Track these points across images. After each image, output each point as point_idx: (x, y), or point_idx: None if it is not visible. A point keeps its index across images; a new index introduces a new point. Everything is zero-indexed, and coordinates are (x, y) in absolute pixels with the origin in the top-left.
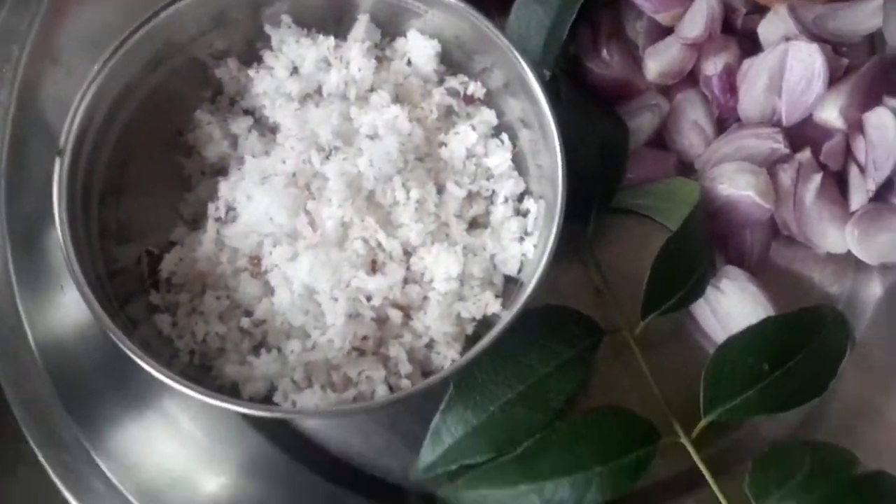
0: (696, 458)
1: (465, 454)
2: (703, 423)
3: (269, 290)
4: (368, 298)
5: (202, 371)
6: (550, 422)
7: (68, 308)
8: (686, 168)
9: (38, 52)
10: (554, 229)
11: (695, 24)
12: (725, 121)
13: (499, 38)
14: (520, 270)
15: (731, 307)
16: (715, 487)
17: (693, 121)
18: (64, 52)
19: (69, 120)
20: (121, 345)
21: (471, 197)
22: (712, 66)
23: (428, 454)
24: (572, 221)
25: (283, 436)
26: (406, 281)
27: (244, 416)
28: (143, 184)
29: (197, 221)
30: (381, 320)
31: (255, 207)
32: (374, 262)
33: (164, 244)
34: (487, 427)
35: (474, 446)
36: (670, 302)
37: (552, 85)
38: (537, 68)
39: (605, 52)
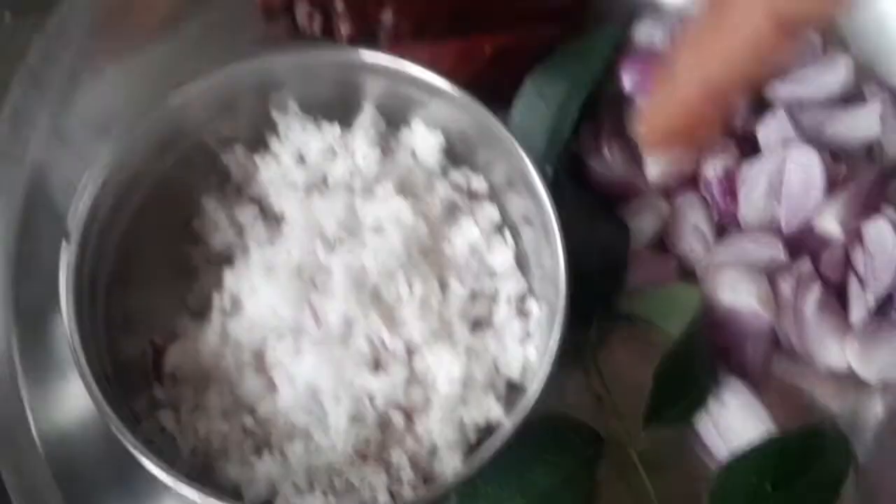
0: None
1: None
2: None
3: (273, 388)
4: (371, 399)
5: (204, 471)
6: None
7: (72, 398)
8: (687, 272)
9: (48, 134)
10: (556, 333)
11: None
12: (726, 226)
13: (500, 131)
14: (522, 374)
15: (733, 420)
16: None
17: (693, 225)
18: (75, 136)
19: (74, 204)
20: (125, 443)
21: (473, 296)
22: (712, 170)
23: None
24: (573, 327)
25: None
26: (408, 382)
27: None
28: (151, 274)
29: (203, 313)
30: (384, 423)
31: (259, 299)
32: (376, 361)
33: (169, 336)
34: None
35: None
36: (672, 412)
37: (554, 184)
38: (540, 164)
39: (606, 151)
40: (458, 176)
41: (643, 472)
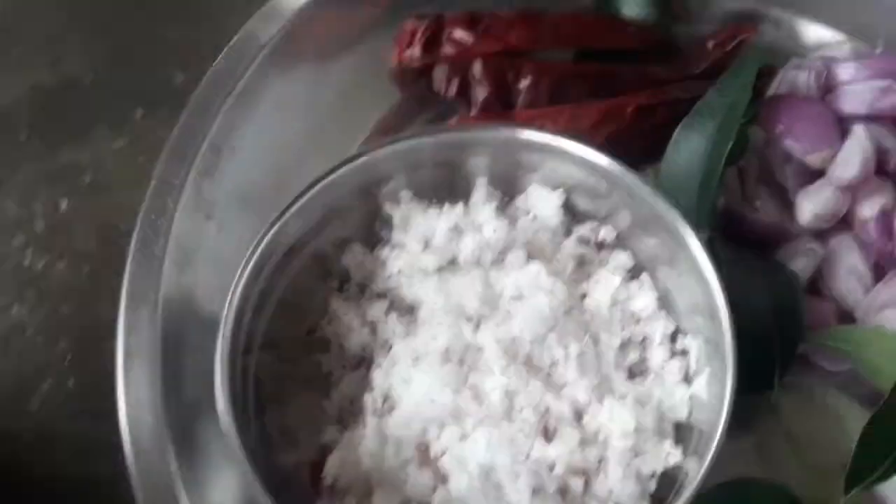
0: None
1: None
2: None
3: (443, 478)
4: (551, 468)
5: None
6: None
7: None
8: (845, 316)
9: (190, 205)
10: (730, 364)
11: (849, 165)
12: (884, 266)
13: (626, 176)
14: (689, 415)
15: None
16: None
17: (850, 266)
18: (216, 207)
19: (220, 333)
20: None
21: (624, 344)
22: (868, 210)
23: None
24: (749, 391)
25: None
26: (582, 443)
27: None
28: (288, 389)
29: (344, 419)
30: (563, 489)
31: (414, 391)
32: (545, 429)
33: (317, 448)
34: None
35: None
36: (876, 473)
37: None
38: (693, 218)
39: (755, 198)
40: (583, 230)
41: None
